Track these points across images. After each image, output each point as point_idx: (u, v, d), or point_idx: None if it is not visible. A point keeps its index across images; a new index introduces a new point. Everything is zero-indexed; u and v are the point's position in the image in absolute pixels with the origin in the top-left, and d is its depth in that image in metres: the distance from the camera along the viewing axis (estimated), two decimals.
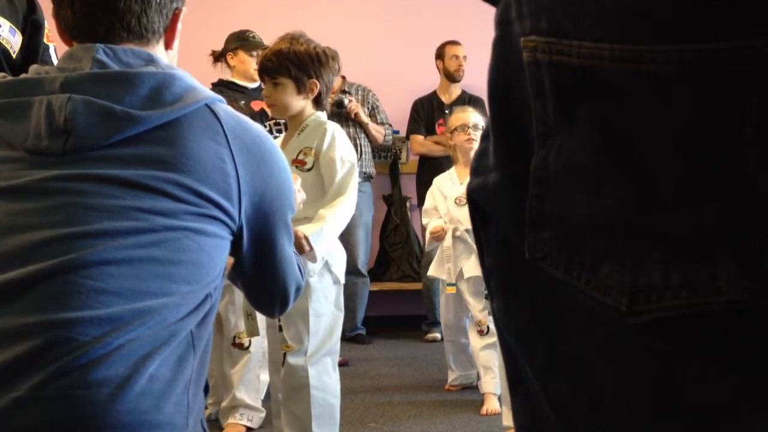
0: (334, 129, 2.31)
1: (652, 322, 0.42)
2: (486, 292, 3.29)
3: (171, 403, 1.00)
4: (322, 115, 2.34)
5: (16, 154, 1.06)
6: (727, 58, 0.38)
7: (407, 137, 5.09)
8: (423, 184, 4.58)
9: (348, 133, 4.62)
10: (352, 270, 4.50)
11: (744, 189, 0.39)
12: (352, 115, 4.65)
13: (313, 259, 2.14)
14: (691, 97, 0.39)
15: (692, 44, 0.39)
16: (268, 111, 3.50)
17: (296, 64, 2.25)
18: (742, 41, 0.37)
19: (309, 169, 2.26)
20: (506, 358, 0.57)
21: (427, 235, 3.54)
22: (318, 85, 2.28)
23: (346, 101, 4.60)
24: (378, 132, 4.80)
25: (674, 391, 0.43)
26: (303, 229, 2.08)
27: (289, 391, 2.29)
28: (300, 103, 2.30)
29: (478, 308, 3.32)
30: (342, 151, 2.28)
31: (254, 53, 3.75)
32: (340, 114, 4.61)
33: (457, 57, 4.89)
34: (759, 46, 0.37)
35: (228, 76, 3.93)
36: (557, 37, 0.44)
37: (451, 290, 3.47)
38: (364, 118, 4.71)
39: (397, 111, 5.14)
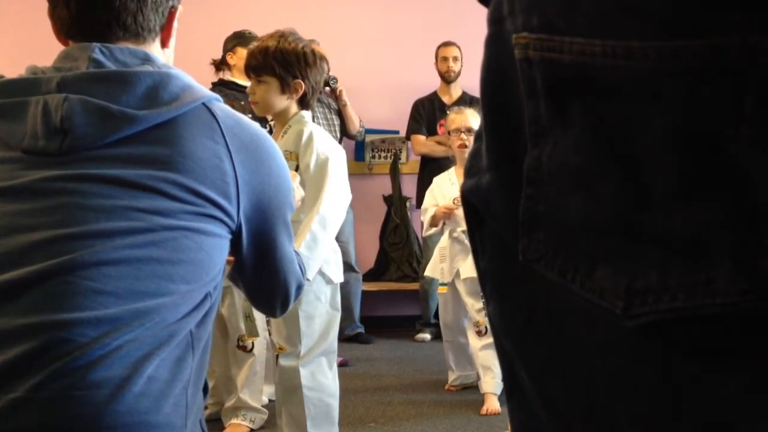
0: (311, 131, 2.26)
1: (648, 324, 0.41)
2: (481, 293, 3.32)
3: (169, 403, 1.00)
4: (306, 116, 2.29)
5: (12, 155, 1.05)
6: (722, 55, 0.37)
7: (408, 137, 5.09)
8: (424, 186, 4.58)
9: (324, 114, 4.60)
10: (346, 267, 4.48)
11: (740, 189, 0.38)
12: (337, 92, 4.64)
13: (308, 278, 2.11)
14: (684, 94, 0.39)
15: (685, 40, 0.38)
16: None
17: (281, 62, 2.20)
18: (736, 38, 0.37)
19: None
20: (502, 361, 0.56)
21: (426, 221, 3.53)
22: (303, 85, 2.24)
23: (332, 82, 4.57)
24: (355, 118, 4.79)
25: (670, 393, 0.42)
26: None
27: (284, 392, 2.29)
28: (284, 103, 2.26)
29: (476, 308, 3.32)
30: (318, 149, 2.23)
31: None
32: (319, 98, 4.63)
33: (446, 59, 4.90)
34: (753, 43, 0.36)
35: (228, 76, 3.94)
36: (549, 34, 0.44)
37: (443, 290, 3.48)
38: (345, 98, 4.70)
39: (397, 111, 5.14)
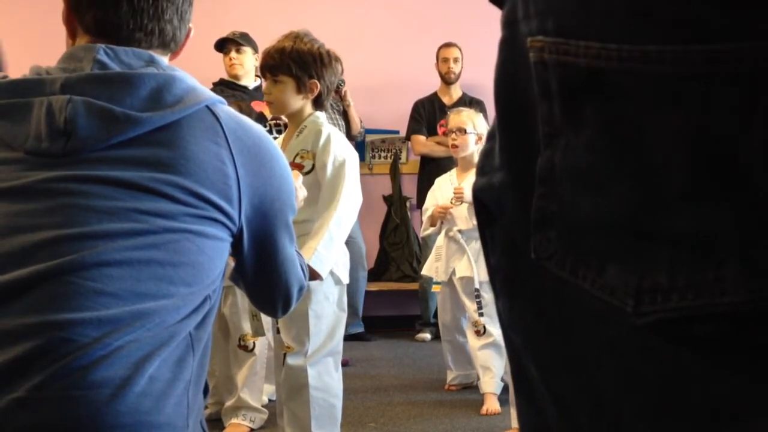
0: (329, 132, 2.28)
1: (656, 322, 0.42)
2: (476, 292, 3.33)
3: (171, 403, 1.00)
4: (321, 116, 2.32)
5: (16, 156, 1.05)
6: (736, 59, 0.38)
7: (408, 137, 5.09)
8: (423, 186, 4.58)
9: (329, 115, 4.63)
10: (357, 265, 4.49)
11: (749, 190, 0.39)
12: (342, 93, 4.66)
13: (319, 278, 2.12)
14: (698, 98, 0.39)
15: (700, 45, 0.39)
16: (265, 112, 3.52)
17: (298, 62, 2.22)
18: (750, 42, 0.37)
19: (307, 173, 2.24)
20: (511, 358, 0.57)
21: (424, 219, 3.54)
22: (319, 85, 2.26)
23: (340, 84, 4.61)
24: (357, 119, 4.82)
25: (678, 391, 0.43)
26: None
27: (289, 391, 2.30)
28: (299, 103, 2.28)
29: (473, 308, 3.32)
30: (335, 151, 2.25)
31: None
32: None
33: (446, 60, 4.91)
34: (766, 49, 0.37)
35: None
36: (564, 37, 0.44)
37: (437, 288, 3.50)
38: (350, 98, 4.74)
39: (397, 111, 5.14)
